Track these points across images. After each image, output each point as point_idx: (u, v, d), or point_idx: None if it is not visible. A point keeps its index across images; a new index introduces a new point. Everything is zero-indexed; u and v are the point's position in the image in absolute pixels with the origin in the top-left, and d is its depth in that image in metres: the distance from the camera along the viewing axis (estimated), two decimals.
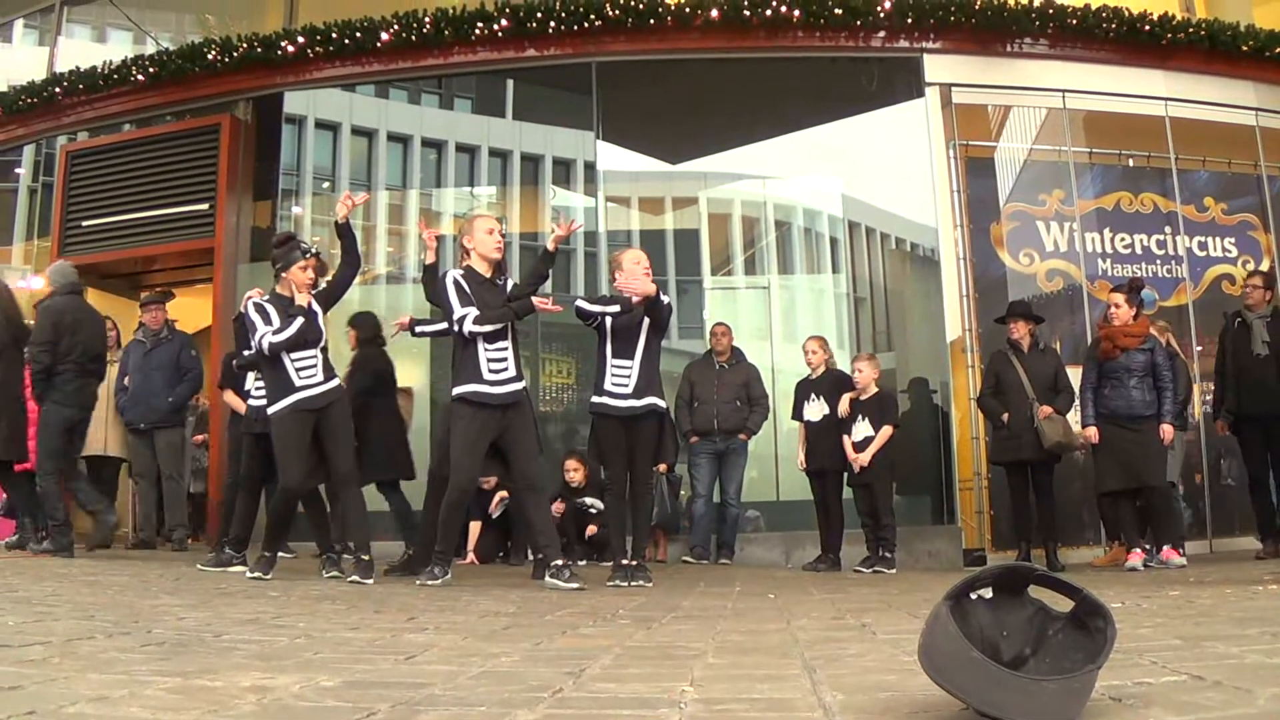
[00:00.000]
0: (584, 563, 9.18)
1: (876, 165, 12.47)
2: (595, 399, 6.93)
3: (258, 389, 7.84)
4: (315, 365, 6.83)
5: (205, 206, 12.09)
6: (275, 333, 6.74)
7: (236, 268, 12.03)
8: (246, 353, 7.71)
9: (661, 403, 6.99)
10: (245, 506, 7.94)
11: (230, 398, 9.24)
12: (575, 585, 6.14)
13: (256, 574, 6.78)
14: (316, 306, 6.92)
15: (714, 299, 12.82)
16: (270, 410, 6.86)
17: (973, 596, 2.41)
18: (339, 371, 7.28)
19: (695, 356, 10.68)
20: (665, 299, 6.84)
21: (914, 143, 11.60)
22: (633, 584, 6.60)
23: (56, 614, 4.23)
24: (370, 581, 6.51)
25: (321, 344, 6.93)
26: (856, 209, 13.25)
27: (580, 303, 7.00)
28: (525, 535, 7.44)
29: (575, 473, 10.00)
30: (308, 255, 7.01)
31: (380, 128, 12.99)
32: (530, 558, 8.37)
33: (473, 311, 6.42)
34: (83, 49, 14.39)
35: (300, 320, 6.77)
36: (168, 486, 10.55)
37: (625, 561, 6.83)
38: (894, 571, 8.71)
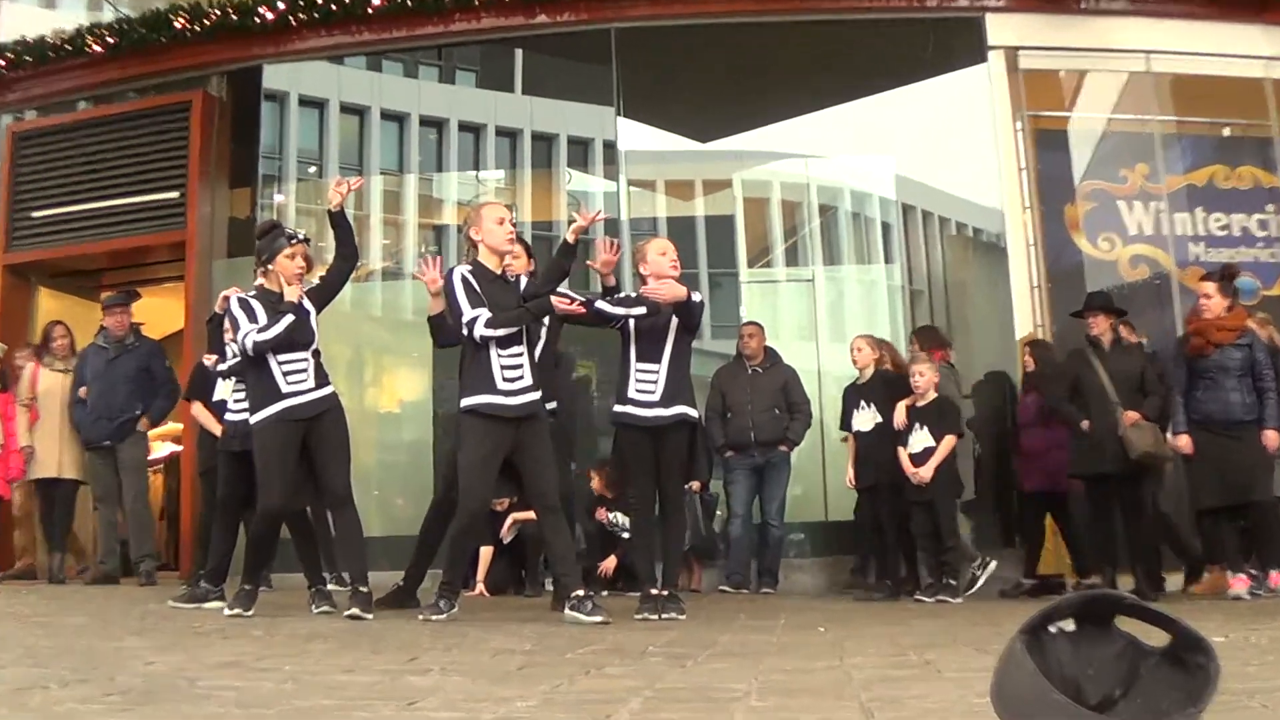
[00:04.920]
0: (607, 593, 9.18)
1: (934, 141, 12.45)
2: (618, 408, 6.92)
3: (237, 400, 7.81)
4: (305, 369, 6.80)
5: (175, 195, 12.11)
6: (260, 330, 6.73)
7: (211, 264, 12.05)
8: (228, 360, 7.71)
9: (692, 411, 6.98)
10: (222, 534, 7.91)
11: (199, 411, 9.23)
12: (598, 619, 6.12)
13: (236, 610, 6.77)
14: (309, 304, 6.90)
15: (751, 294, 12.83)
16: (253, 420, 6.84)
17: (1052, 630, 2.39)
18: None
19: (730, 359, 10.66)
20: (697, 297, 6.82)
21: (976, 114, 11.56)
22: (664, 617, 6.58)
23: (3, 660, 4.23)
24: (369, 617, 6.49)
25: (313, 347, 6.91)
26: (911, 190, 13.23)
27: (601, 304, 6.98)
28: (550, 562, 7.42)
29: (593, 481, 10.10)
30: (294, 241, 6.98)
31: (373, 105, 13.06)
32: (548, 587, 8.39)
33: (484, 313, 6.40)
34: (29, 15, 14.38)
35: (289, 317, 6.75)
36: (134, 511, 10.55)
37: (655, 591, 6.81)
38: (960, 601, 8.67)
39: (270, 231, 7.12)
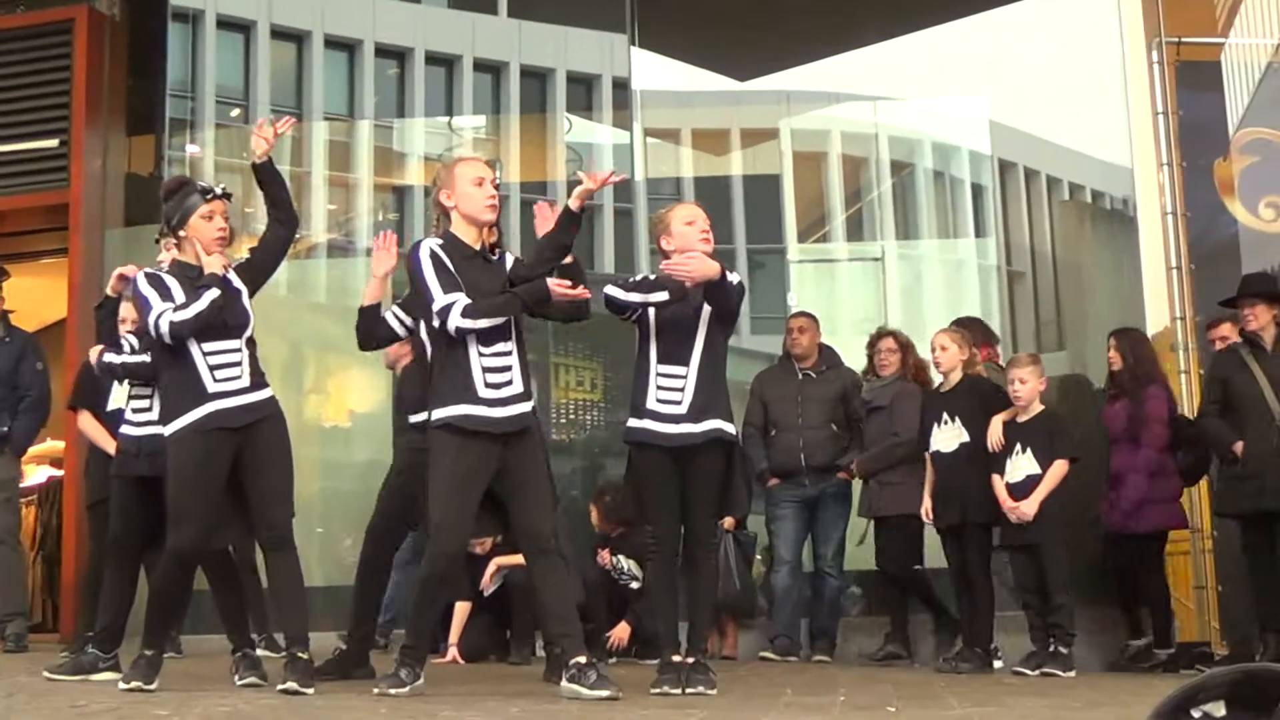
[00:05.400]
0: (615, 660, 9.20)
1: (1040, 77, 12.47)
2: (634, 423, 6.88)
3: (137, 409, 7.73)
4: (239, 363, 6.67)
5: (53, 144, 12.11)
6: (179, 309, 6.63)
7: (103, 233, 12.06)
8: (124, 354, 7.66)
9: (729, 428, 6.94)
10: (117, 585, 7.85)
11: (88, 424, 9.23)
12: (604, 693, 6.10)
13: (134, 683, 6.68)
14: (239, 282, 6.84)
15: (802, 276, 12.89)
16: (167, 430, 6.76)
17: (1196, 714, 2.41)
18: None
19: (774, 360, 10.67)
20: (734, 278, 6.81)
21: (1098, 41, 11.57)
22: (689, 691, 6.57)
23: None
24: (309, 691, 6.43)
25: (248, 333, 6.80)
26: (1011, 142, 13.25)
27: (611, 289, 6.96)
28: (538, 620, 7.39)
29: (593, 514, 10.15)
30: (210, 197, 6.88)
31: (315, 29, 13.08)
32: (539, 652, 8.41)
33: (460, 300, 6.38)
34: None
35: (213, 290, 6.67)
36: (0, 555, 10.53)
37: (677, 659, 6.80)
38: (1072, 674, 8.66)
39: (180, 189, 7.03)
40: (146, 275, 6.80)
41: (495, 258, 6.67)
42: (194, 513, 6.59)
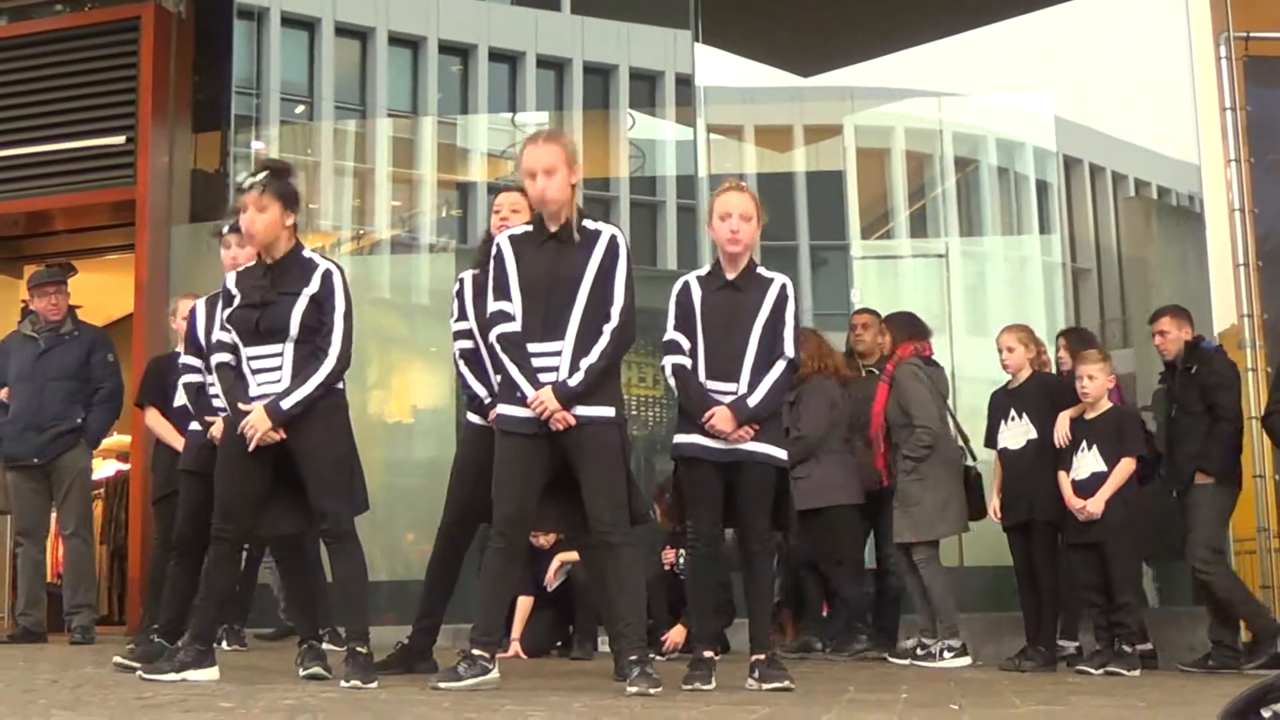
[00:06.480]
0: (666, 657, 9.16)
1: (1107, 73, 12.39)
2: (681, 438, 6.80)
3: (214, 394, 7.60)
4: (279, 366, 6.63)
5: (120, 140, 12.16)
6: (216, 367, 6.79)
7: (169, 230, 12.13)
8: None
9: (780, 453, 6.83)
10: (180, 579, 7.80)
11: (154, 419, 9.27)
12: (643, 689, 5.95)
13: (187, 672, 6.70)
14: (315, 285, 6.63)
15: (865, 273, 12.83)
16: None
17: (1266, 714, 2.39)
18: None
19: None
20: (766, 387, 6.67)
21: (1165, 37, 11.48)
22: (767, 687, 6.49)
23: None
24: (372, 685, 6.38)
25: (290, 336, 6.63)
26: (1076, 138, 13.15)
27: (670, 380, 6.95)
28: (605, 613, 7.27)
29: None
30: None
31: (378, 26, 13.08)
32: (602, 648, 8.41)
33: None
34: None
35: (216, 429, 6.78)
36: (71, 547, 10.59)
37: (708, 654, 6.67)
38: (1137, 674, 8.62)
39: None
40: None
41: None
42: (225, 497, 6.63)
